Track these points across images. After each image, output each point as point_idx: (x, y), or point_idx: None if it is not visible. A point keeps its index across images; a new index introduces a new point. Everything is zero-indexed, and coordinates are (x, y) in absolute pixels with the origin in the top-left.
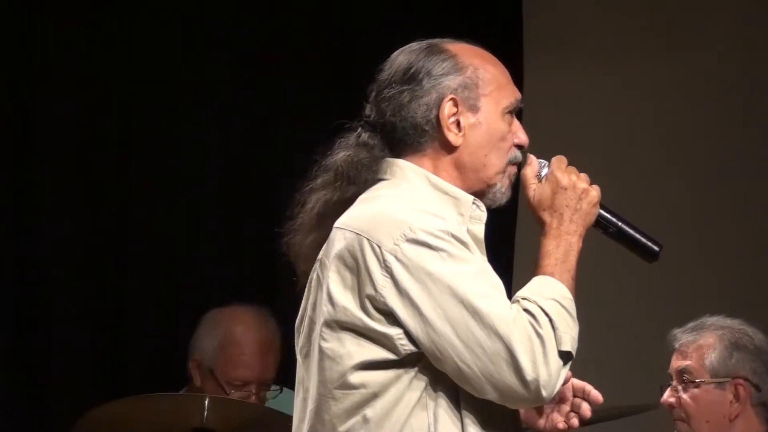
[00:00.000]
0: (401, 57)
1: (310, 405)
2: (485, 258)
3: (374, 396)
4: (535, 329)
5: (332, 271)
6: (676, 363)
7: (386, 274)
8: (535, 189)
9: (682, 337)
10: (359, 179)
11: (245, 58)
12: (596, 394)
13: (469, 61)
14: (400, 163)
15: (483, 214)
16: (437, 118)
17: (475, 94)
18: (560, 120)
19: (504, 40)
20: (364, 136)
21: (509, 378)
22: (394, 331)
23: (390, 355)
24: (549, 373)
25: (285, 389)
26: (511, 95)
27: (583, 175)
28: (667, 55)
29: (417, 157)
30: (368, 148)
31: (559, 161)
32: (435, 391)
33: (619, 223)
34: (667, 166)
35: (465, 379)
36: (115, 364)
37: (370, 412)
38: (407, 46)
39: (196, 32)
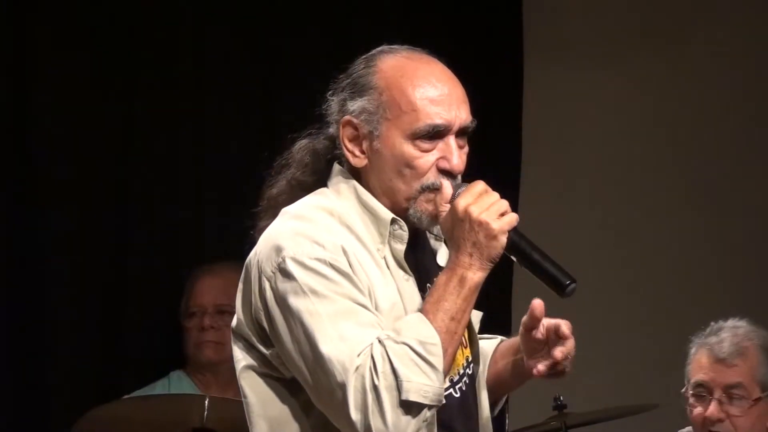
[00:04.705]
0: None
1: None
2: (409, 276)
3: (262, 410)
4: (372, 380)
5: (240, 282)
6: (721, 377)
7: (261, 300)
8: (443, 217)
9: (722, 347)
10: (307, 169)
11: (245, 56)
12: (564, 330)
13: (383, 81)
14: (340, 172)
15: (404, 234)
16: (339, 139)
17: (376, 119)
18: (560, 120)
19: (504, 40)
20: (333, 130)
21: (344, 423)
22: (271, 353)
23: (274, 373)
24: (385, 424)
25: None
26: (422, 121)
27: (496, 205)
28: (666, 53)
29: (349, 168)
30: (326, 143)
31: (468, 189)
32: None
33: (530, 254)
34: (668, 165)
35: (324, 411)
36: (115, 364)
37: (259, 426)
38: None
39: (196, 30)
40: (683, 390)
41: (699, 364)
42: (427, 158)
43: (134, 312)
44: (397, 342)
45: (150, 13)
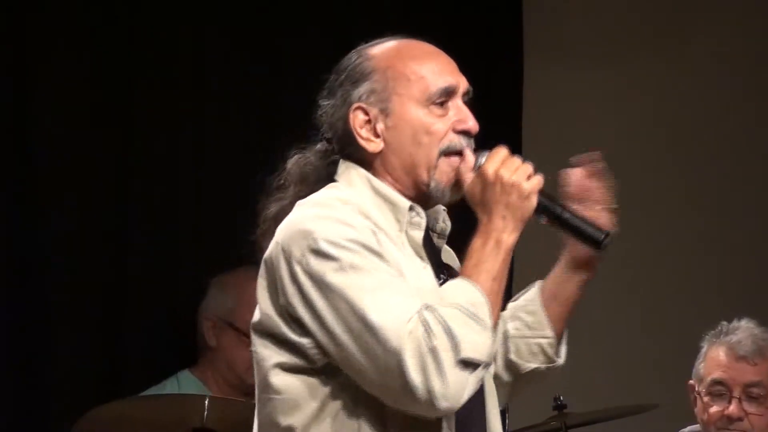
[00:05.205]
0: (333, 70)
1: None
2: (426, 264)
3: (295, 404)
4: (428, 341)
5: (261, 276)
6: (742, 375)
7: (294, 285)
8: (468, 184)
9: (742, 346)
10: (309, 181)
11: (245, 56)
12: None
13: (382, 63)
14: (349, 166)
15: (422, 221)
16: (351, 129)
17: (385, 96)
18: (560, 120)
19: (504, 40)
20: (320, 145)
21: (405, 391)
22: (306, 340)
23: (307, 364)
24: (445, 384)
25: None
26: (433, 85)
27: (522, 168)
28: (666, 53)
29: (360, 162)
30: (320, 154)
31: (494, 154)
32: (359, 403)
33: (561, 213)
34: (668, 165)
35: (373, 389)
36: (115, 364)
37: (292, 421)
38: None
39: (196, 30)
40: (696, 389)
41: (717, 362)
42: (443, 122)
43: (134, 312)
44: (446, 305)
45: (150, 13)
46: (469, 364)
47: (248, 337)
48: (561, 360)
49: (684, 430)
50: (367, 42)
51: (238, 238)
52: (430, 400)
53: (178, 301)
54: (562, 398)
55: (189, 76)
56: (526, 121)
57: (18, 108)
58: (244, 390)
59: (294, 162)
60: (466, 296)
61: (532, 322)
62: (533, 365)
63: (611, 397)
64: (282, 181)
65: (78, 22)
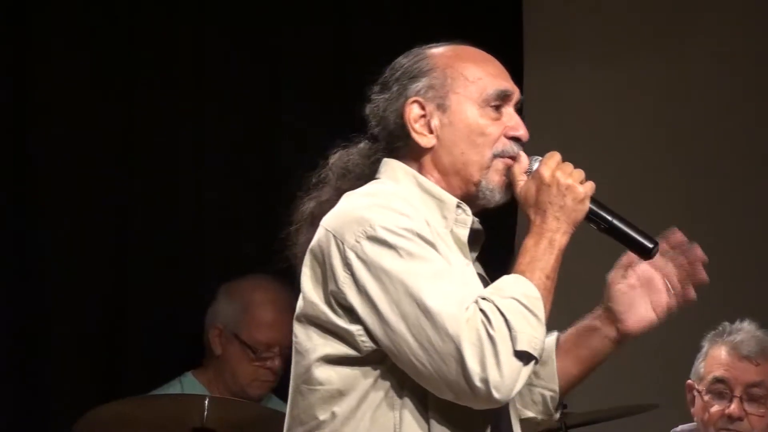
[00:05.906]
0: (388, 67)
1: (288, 400)
2: (469, 262)
3: (339, 394)
4: (487, 330)
5: (306, 266)
6: (744, 375)
7: (347, 271)
8: (521, 185)
9: (745, 345)
10: (351, 177)
11: (245, 56)
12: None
13: (442, 61)
14: (393, 163)
15: (468, 218)
16: (406, 122)
17: (443, 93)
18: (560, 120)
19: (504, 40)
20: (363, 144)
21: (459, 378)
22: (355, 328)
23: (353, 352)
24: (501, 374)
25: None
26: (491, 87)
27: (576, 172)
28: (666, 53)
29: (406, 159)
30: (362, 153)
31: (550, 157)
32: (402, 391)
33: (612, 220)
34: (668, 165)
35: (422, 377)
36: (115, 364)
37: (335, 409)
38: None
39: (196, 30)
40: (695, 387)
41: (718, 361)
42: (496, 126)
43: (134, 312)
44: (504, 297)
45: (150, 13)
46: (523, 357)
47: (252, 350)
48: (557, 417)
49: (675, 429)
50: (366, 41)
51: (238, 238)
52: (485, 390)
53: (177, 301)
54: None
55: (189, 76)
56: (526, 121)
57: (18, 108)
58: (246, 399)
59: (337, 158)
60: (522, 290)
61: (541, 372)
62: (530, 414)
63: (611, 397)
64: (323, 176)
65: (78, 22)
